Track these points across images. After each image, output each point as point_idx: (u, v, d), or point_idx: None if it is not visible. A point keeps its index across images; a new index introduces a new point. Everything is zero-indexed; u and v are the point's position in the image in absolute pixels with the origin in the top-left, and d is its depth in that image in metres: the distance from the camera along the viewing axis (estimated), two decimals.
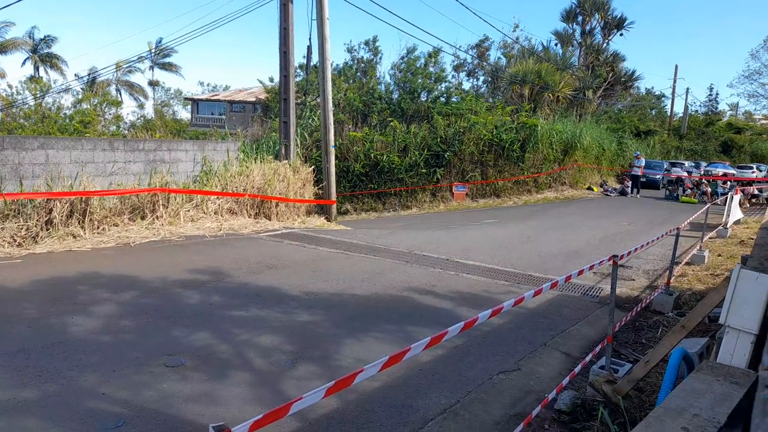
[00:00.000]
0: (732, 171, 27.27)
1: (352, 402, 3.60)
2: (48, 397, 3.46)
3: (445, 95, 22.21)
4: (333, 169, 12.89)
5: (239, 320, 5.06)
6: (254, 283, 6.35)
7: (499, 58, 34.68)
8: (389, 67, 29.15)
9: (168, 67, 49.06)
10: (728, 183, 21.82)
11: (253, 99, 35.43)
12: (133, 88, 46.22)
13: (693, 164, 31.14)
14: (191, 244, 8.37)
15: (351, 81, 22.59)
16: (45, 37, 42.49)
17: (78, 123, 19.06)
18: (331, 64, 13.86)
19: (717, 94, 62.29)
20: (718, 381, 2.25)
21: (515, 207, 17.74)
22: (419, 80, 21.87)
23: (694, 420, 1.90)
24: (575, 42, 36.07)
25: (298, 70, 19.69)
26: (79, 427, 3.15)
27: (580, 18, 35.76)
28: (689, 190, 21.18)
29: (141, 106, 44.32)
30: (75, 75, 42.43)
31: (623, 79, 36.42)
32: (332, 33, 12.14)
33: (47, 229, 7.80)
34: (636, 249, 5.50)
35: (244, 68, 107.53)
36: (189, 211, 9.82)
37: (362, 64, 24.02)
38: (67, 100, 31.82)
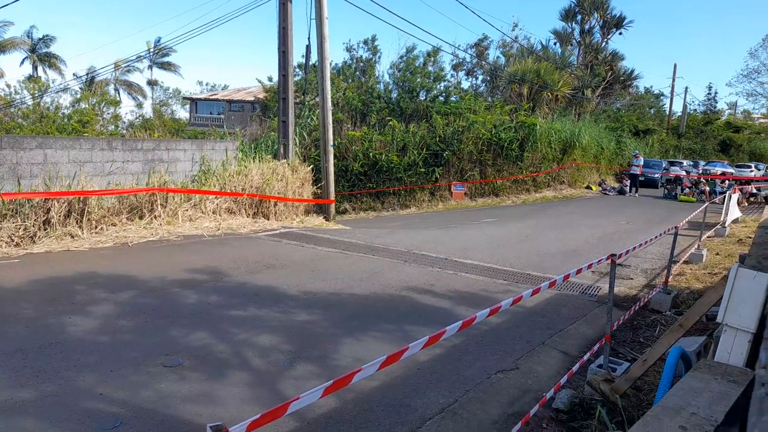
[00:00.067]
0: (730, 170, 27.34)
1: (351, 401, 3.60)
2: (45, 398, 3.45)
3: (444, 94, 22.19)
4: (332, 169, 12.89)
5: (237, 320, 5.06)
6: (252, 283, 6.35)
7: (498, 57, 34.74)
8: (388, 67, 29.23)
9: (167, 66, 49.00)
10: (726, 182, 21.85)
11: (252, 98, 35.39)
12: (131, 88, 46.18)
13: (691, 163, 31.20)
14: (189, 244, 8.36)
15: (350, 80, 22.57)
16: (43, 36, 42.50)
17: (76, 123, 19.01)
18: (330, 64, 13.85)
19: (716, 93, 62.55)
20: (716, 379, 2.25)
21: (514, 206, 17.74)
22: (418, 79, 21.86)
23: (692, 419, 1.90)
24: (574, 41, 36.10)
25: (297, 70, 19.68)
26: (76, 428, 3.15)
27: (579, 17, 35.78)
28: (688, 189, 21.19)
29: (139, 106, 44.26)
30: (73, 74, 42.35)
31: (622, 78, 36.45)
32: (331, 32, 12.14)
33: (45, 229, 7.78)
34: (634, 248, 5.50)
35: (243, 67, 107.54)
36: (187, 210, 9.81)
37: (361, 64, 24.01)
38: (65, 100, 31.83)
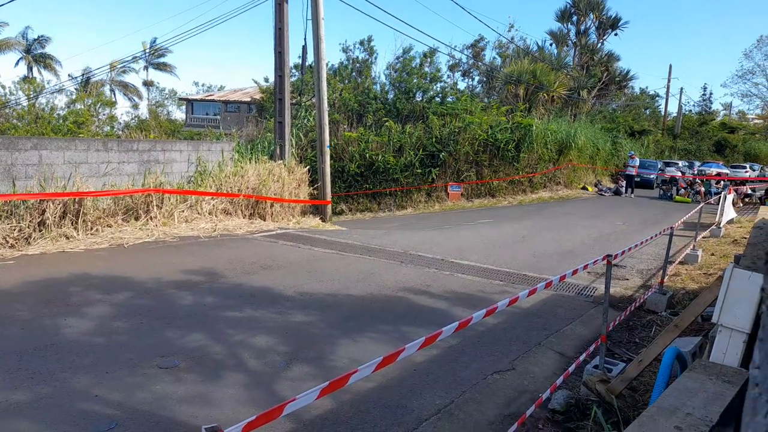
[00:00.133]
0: (725, 170, 27.44)
1: (347, 403, 3.59)
2: (40, 399, 3.43)
3: (440, 95, 22.20)
4: (328, 170, 12.88)
5: (233, 321, 5.05)
6: (249, 284, 6.34)
7: (494, 58, 34.81)
8: (384, 67, 29.12)
9: (162, 67, 48.95)
10: (721, 182, 21.95)
11: (248, 99, 35.33)
12: (127, 89, 46.06)
13: (687, 164, 31.29)
14: (185, 245, 8.33)
15: (346, 81, 22.55)
16: (38, 37, 42.38)
17: (71, 123, 18.94)
18: (327, 64, 13.84)
19: (711, 93, 62.72)
20: (711, 380, 2.26)
21: (510, 207, 17.77)
22: (414, 80, 21.86)
23: (687, 419, 1.91)
24: (570, 42, 36.21)
25: (294, 71, 19.60)
26: (71, 430, 3.13)
27: (574, 18, 35.90)
28: (683, 189, 21.28)
29: (135, 107, 44.12)
30: (69, 75, 42.19)
31: (618, 78, 36.57)
32: (327, 33, 12.16)
33: (40, 231, 7.75)
34: (630, 248, 5.52)
35: (239, 68, 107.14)
36: (183, 211, 9.78)
37: (357, 64, 23.98)
38: (60, 101, 31.69)
